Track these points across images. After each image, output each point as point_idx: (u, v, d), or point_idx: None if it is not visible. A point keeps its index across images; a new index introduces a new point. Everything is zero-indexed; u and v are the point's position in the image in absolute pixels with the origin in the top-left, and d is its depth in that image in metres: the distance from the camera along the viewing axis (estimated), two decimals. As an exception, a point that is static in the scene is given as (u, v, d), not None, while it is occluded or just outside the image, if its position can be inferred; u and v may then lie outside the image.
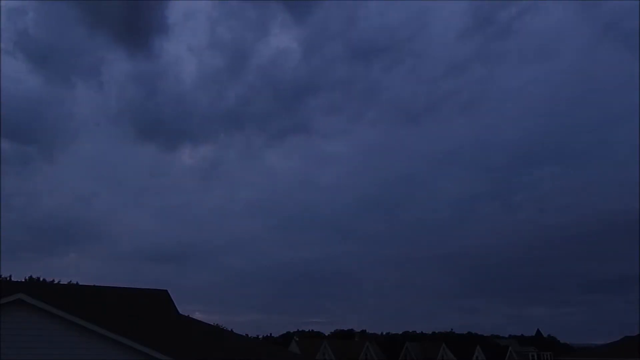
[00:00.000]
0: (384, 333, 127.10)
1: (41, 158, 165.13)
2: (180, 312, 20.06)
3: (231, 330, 38.63)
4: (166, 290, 20.70)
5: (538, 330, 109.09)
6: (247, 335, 40.18)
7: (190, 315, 27.19)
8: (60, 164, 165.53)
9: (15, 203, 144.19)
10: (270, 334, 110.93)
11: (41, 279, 45.29)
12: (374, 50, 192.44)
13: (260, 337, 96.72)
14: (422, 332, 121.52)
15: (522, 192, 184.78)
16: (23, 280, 38.74)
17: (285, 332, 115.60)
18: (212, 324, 27.37)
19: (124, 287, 20.25)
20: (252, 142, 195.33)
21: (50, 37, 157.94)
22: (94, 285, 20.85)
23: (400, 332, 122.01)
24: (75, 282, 41.92)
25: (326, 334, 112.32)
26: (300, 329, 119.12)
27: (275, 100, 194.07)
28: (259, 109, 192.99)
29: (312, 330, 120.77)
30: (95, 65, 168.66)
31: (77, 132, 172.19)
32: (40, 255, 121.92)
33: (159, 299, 19.93)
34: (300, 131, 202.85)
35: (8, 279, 41.30)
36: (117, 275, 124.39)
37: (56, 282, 44.29)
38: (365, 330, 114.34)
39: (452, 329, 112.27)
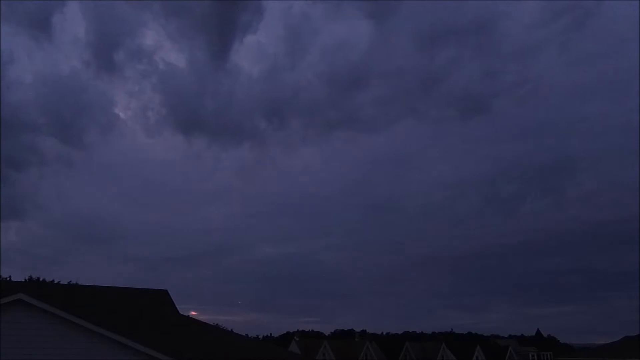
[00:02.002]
0: (384, 333, 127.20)
1: (74, 157, 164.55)
2: (180, 312, 20.07)
3: (231, 330, 38.60)
4: (166, 290, 20.72)
5: (538, 330, 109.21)
6: (247, 335, 40.15)
7: (190, 315, 27.19)
8: (87, 164, 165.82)
9: (41, 203, 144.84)
10: (270, 334, 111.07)
11: (41, 279, 45.27)
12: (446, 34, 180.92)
13: (260, 337, 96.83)
14: (422, 332, 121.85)
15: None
16: (23, 280, 38.76)
17: (285, 332, 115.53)
18: (212, 324, 27.38)
19: (124, 287, 20.27)
20: (288, 137, 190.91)
21: (100, 29, 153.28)
22: (94, 285, 20.85)
23: (400, 332, 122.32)
24: (75, 282, 41.92)
25: (326, 334, 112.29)
26: (300, 329, 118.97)
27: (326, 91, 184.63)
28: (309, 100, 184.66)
29: (312, 330, 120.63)
30: (148, 57, 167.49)
31: (118, 129, 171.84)
32: (53, 256, 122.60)
33: (159, 299, 19.94)
34: (346, 125, 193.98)
35: (8, 279, 41.31)
36: (122, 275, 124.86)
37: (56, 282, 44.27)
38: (365, 330, 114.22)
39: (452, 329, 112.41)
